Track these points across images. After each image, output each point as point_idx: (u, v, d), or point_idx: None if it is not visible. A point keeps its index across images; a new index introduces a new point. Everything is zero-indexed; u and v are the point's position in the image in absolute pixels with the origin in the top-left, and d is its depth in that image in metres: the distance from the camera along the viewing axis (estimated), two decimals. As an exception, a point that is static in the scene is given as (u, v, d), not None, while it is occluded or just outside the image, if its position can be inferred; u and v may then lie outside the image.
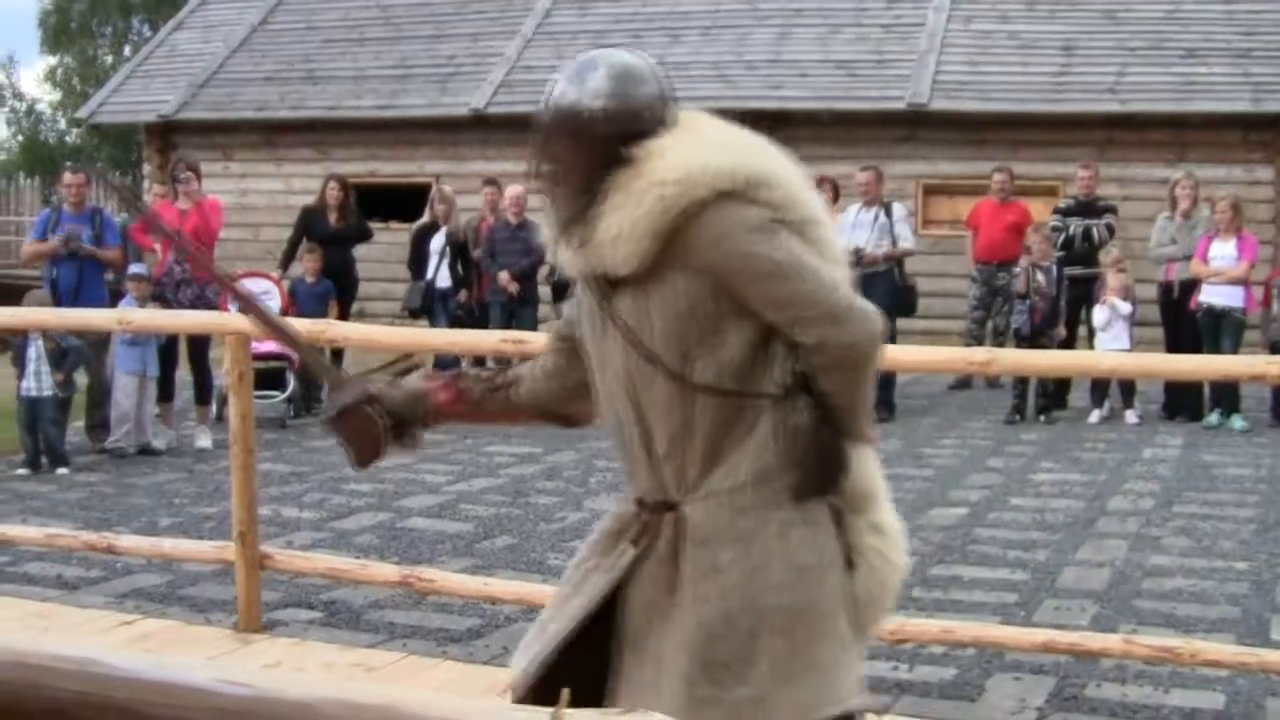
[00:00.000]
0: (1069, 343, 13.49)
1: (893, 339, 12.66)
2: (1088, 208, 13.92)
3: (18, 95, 46.81)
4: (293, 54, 23.05)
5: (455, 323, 13.68)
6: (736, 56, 20.55)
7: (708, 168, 3.05)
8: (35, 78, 48.90)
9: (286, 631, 6.73)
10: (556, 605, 3.36)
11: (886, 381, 12.75)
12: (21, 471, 10.71)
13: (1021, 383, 12.88)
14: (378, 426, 3.55)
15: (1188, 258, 13.01)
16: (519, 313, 13.72)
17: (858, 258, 12.83)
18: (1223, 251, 12.85)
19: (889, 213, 13.18)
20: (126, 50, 42.74)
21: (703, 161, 3.06)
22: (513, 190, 14.35)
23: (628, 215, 3.05)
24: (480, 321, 13.69)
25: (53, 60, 45.61)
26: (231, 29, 23.94)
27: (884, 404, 12.86)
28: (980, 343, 14.65)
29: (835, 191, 13.73)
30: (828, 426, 3.14)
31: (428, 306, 13.90)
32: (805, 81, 19.64)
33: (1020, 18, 20.24)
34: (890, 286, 12.93)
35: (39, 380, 10.81)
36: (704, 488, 3.15)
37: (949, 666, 6.18)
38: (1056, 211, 14.08)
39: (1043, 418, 12.85)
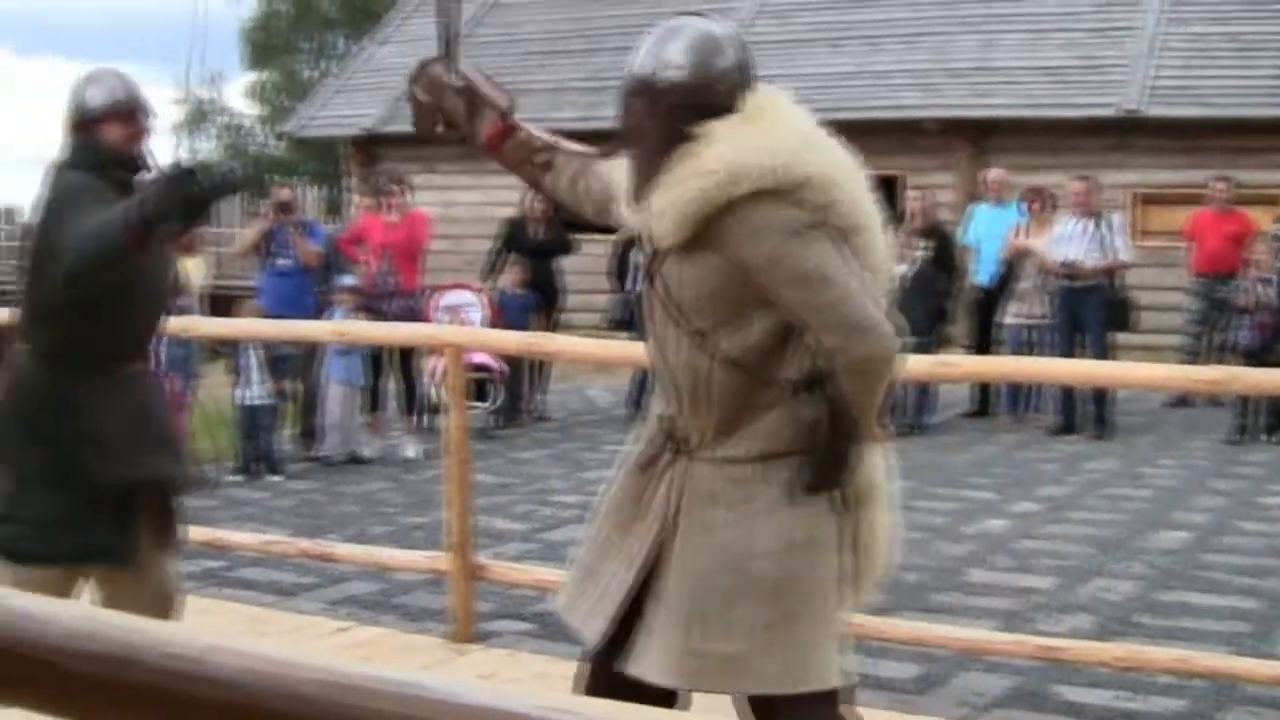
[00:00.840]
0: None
1: (1105, 353, 12.38)
2: (1318, 217, 13.42)
3: (224, 110, 47.90)
4: (493, 66, 23.07)
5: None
6: (940, 64, 20.26)
7: (752, 164, 3.15)
8: (239, 93, 49.95)
9: (500, 642, 6.70)
10: (599, 546, 3.59)
11: (1102, 398, 12.43)
12: (235, 478, 10.86)
13: (1246, 400, 12.43)
14: (446, 103, 3.98)
15: None
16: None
17: (1070, 270, 12.52)
18: None
19: (1105, 223, 12.80)
20: (327, 65, 43.52)
21: (750, 157, 3.16)
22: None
23: (672, 196, 3.20)
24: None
25: (256, 76, 46.57)
26: (432, 43, 24.11)
27: (1100, 421, 12.54)
28: (1198, 358, 14.20)
29: (1047, 202, 13.43)
30: (837, 422, 3.27)
31: (630, 318, 13.84)
32: (1012, 89, 19.29)
33: (1239, 18, 19.61)
34: (1104, 300, 12.57)
35: (256, 388, 10.97)
36: (713, 450, 3.34)
37: (1180, 698, 5.91)
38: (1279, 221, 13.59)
39: (1270, 437, 12.37)
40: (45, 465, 4.55)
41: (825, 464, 3.28)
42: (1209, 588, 7.66)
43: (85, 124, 4.71)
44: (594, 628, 3.51)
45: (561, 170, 3.88)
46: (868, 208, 3.31)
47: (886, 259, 3.38)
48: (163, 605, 4.73)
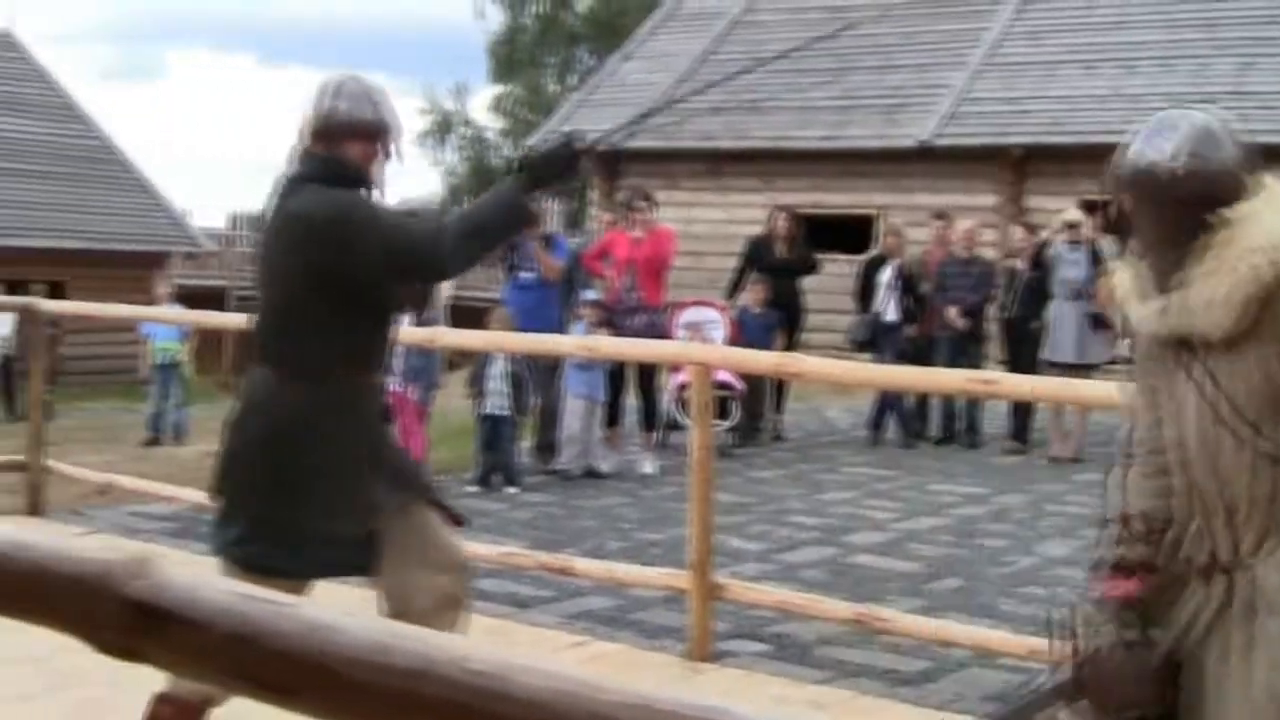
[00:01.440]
0: None
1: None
2: None
3: (467, 122, 48.72)
4: (738, 84, 23.22)
5: (901, 357, 13.48)
6: (1195, 88, 19.70)
7: None
8: (483, 105, 50.73)
9: (736, 662, 6.68)
10: None
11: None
12: (473, 488, 11.02)
13: None
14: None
15: None
16: (967, 349, 13.40)
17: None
18: None
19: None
20: (571, 79, 44.04)
21: None
22: (964, 224, 14.13)
23: (1222, 282, 3.10)
24: (925, 357, 13.45)
25: (500, 89, 47.28)
26: (677, 59, 24.35)
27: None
28: None
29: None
30: None
31: (874, 339, 13.75)
32: (1270, 114, 18.71)
33: None
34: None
35: (498, 399, 11.12)
36: (1275, 550, 3.18)
37: None
38: None
39: None
40: (296, 481, 4.52)
41: None
42: None
43: (328, 135, 4.63)
44: None
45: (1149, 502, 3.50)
46: None
47: None
48: (434, 616, 4.67)
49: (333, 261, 4.45)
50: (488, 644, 1.26)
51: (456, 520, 4.87)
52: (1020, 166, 20.22)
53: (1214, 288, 3.09)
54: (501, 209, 4.57)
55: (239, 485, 4.64)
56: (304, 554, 4.53)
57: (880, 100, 21.64)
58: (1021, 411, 13.22)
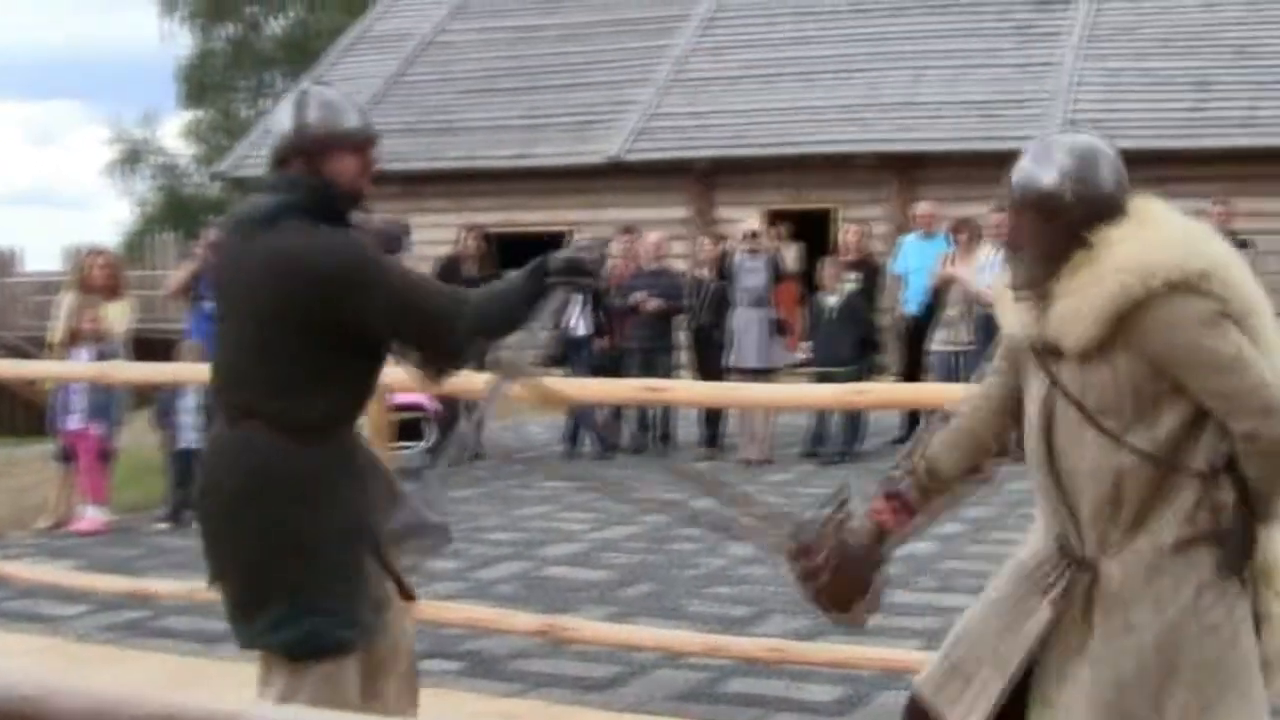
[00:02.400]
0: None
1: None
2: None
3: (158, 150, 47.64)
4: (429, 105, 23.36)
5: (593, 371, 13.74)
6: (870, 100, 20.53)
7: (1163, 261, 3.28)
8: (174, 132, 49.64)
9: (429, 681, 6.73)
10: (972, 642, 3.66)
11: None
12: (163, 525, 10.80)
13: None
14: (866, 583, 3.86)
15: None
16: (655, 360, 13.73)
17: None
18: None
19: (1026, 253, 13.03)
20: (264, 103, 43.42)
21: (1157, 254, 3.30)
22: (652, 237, 14.45)
23: (1088, 298, 3.33)
24: (617, 369, 13.75)
25: (191, 115, 46.37)
26: (368, 81, 24.29)
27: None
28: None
29: (972, 232, 13.66)
30: (1244, 506, 3.35)
31: (565, 354, 13.97)
32: (939, 123, 19.58)
33: (1154, 54, 20.06)
34: (1029, 327, 12.80)
35: (190, 433, 10.86)
36: (1123, 549, 3.39)
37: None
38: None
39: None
40: (327, 547, 4.03)
41: (1237, 546, 3.35)
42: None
43: (309, 151, 4.11)
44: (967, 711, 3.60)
45: (940, 446, 3.91)
46: (1256, 291, 3.41)
47: (1277, 340, 3.44)
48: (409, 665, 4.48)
49: (334, 318, 4.00)
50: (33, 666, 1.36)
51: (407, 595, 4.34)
52: (708, 179, 20.72)
53: (1079, 303, 3.33)
54: (524, 303, 4.17)
55: (261, 564, 4.08)
56: (359, 619, 4.07)
57: (569, 118, 21.94)
58: (712, 418, 13.58)
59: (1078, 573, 3.43)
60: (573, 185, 21.00)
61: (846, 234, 14.26)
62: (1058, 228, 3.38)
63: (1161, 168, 18.18)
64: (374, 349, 4.18)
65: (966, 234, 13.60)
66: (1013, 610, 3.56)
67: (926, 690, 3.71)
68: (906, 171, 19.69)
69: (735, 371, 13.16)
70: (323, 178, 4.07)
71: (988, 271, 12.85)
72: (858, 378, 12.65)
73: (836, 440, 13.09)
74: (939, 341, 13.38)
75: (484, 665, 7.02)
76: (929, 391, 8.12)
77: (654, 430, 13.93)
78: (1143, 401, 3.32)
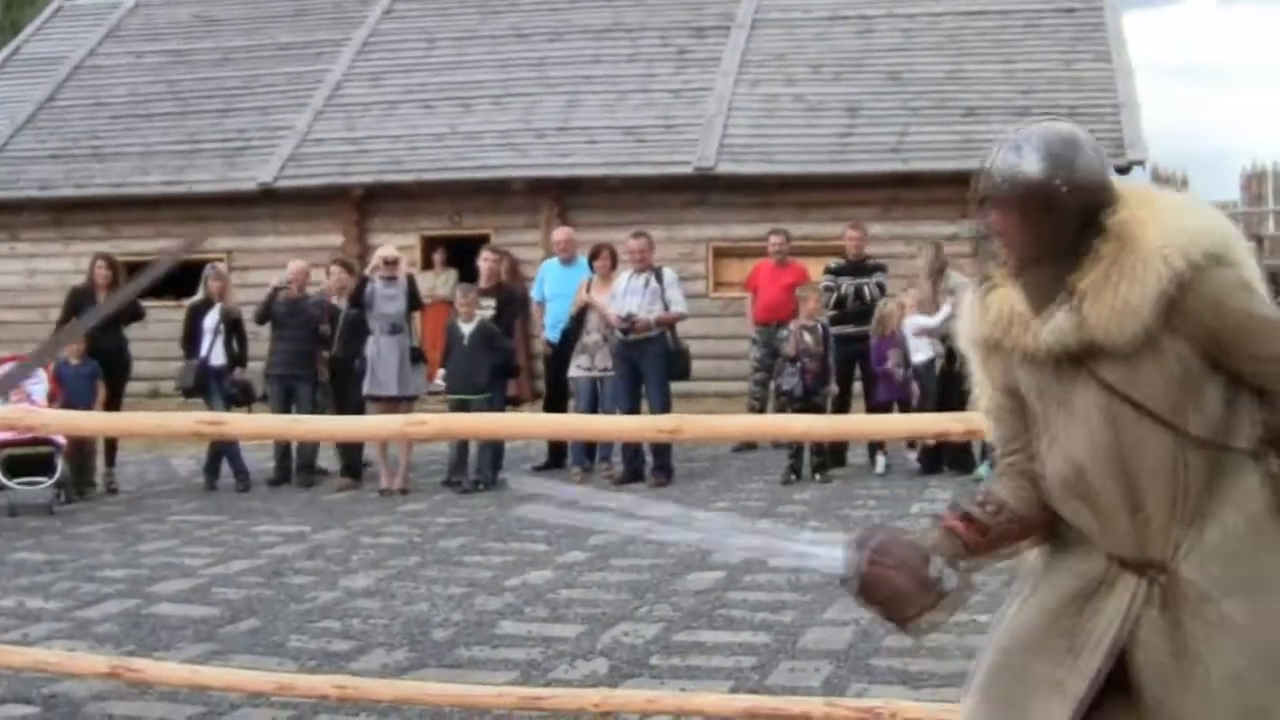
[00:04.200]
0: (842, 401, 13.63)
1: (666, 402, 12.80)
2: (858, 267, 14.11)
3: None
4: (79, 130, 22.69)
5: (230, 401, 13.48)
6: (526, 124, 20.64)
7: (1200, 234, 3.12)
8: None
9: (-1, 728, 6.52)
10: (1011, 673, 3.33)
11: (664, 447, 12.77)
12: None
13: (797, 443, 12.95)
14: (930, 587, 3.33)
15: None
16: (296, 391, 13.53)
17: (630, 324, 12.89)
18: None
19: (660, 278, 13.23)
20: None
21: (1193, 228, 3.13)
22: (295, 264, 14.24)
23: (1132, 288, 3.10)
24: (254, 398, 13.59)
25: None
26: (18, 105, 23.51)
27: (662, 468, 12.91)
28: (763, 404, 14.80)
29: (613, 259, 13.80)
30: None
31: (202, 385, 13.67)
32: (593, 148, 19.77)
33: (806, 80, 20.62)
34: (663, 351, 13.00)
35: None
36: (1194, 544, 3.17)
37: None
38: (828, 271, 14.22)
39: (818, 476, 12.93)
40: None
41: None
42: (725, 625, 7.96)
43: None
44: None
45: (1009, 495, 3.46)
46: (1251, 255, 3.29)
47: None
48: None
49: None
50: None
51: None
52: (363, 205, 20.54)
53: (1121, 295, 3.10)
54: None
55: None
56: None
57: (223, 144, 21.54)
58: (351, 447, 13.42)
59: (1149, 574, 3.19)
60: (225, 212, 20.57)
61: (481, 261, 14.24)
62: (1054, 220, 3.16)
63: (813, 192, 18.82)
64: None
65: (605, 259, 13.73)
66: (1069, 631, 3.27)
67: None
68: (561, 197, 19.82)
69: (373, 400, 13.04)
70: None
71: (623, 298, 13.02)
72: (493, 405, 12.68)
73: (477, 469, 13.04)
74: (578, 367, 13.47)
75: (63, 709, 6.78)
76: (486, 423, 8.15)
77: (293, 460, 13.70)
78: (1191, 385, 3.13)
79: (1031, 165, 3.16)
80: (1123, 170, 18.87)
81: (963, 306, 3.46)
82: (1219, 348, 3.13)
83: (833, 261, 14.38)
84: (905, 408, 13.15)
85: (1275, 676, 3.12)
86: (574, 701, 5.75)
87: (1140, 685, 3.22)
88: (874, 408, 13.35)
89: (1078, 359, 3.19)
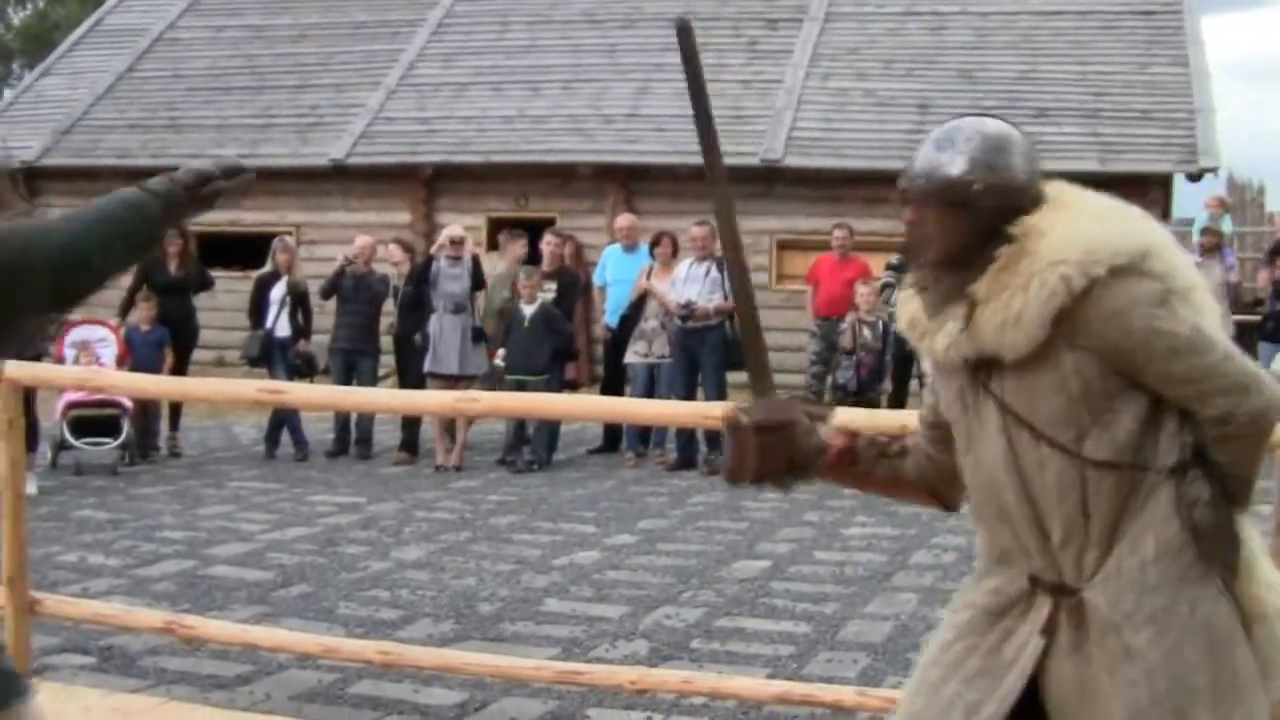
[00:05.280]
0: (899, 399, 13.69)
1: (722, 391, 12.88)
2: (920, 264, 14.11)
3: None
4: (157, 102, 23.00)
5: (293, 372, 13.68)
6: (595, 110, 20.76)
7: (1102, 244, 2.94)
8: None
9: (56, 676, 6.70)
10: (927, 689, 3.27)
11: (717, 435, 12.86)
12: None
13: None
14: (780, 456, 3.30)
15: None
16: (358, 365, 13.74)
17: (689, 311, 13.00)
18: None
19: (720, 267, 13.32)
20: (7, 94, 42.33)
21: (1095, 238, 2.95)
22: (362, 240, 14.43)
23: (1023, 299, 2.96)
24: (316, 370, 13.82)
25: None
26: (98, 75, 23.85)
27: (714, 457, 13.01)
28: (820, 398, 14.86)
29: (675, 246, 13.92)
30: (1231, 492, 3.06)
31: (267, 355, 13.88)
32: (662, 136, 19.84)
33: (877, 76, 20.63)
34: (721, 340, 13.09)
35: None
36: (1106, 569, 3.04)
37: (704, 716, 6.26)
38: (889, 268, 14.28)
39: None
40: None
41: (1219, 542, 3.06)
42: (767, 614, 8.07)
43: None
44: None
45: (913, 449, 3.47)
46: (1190, 266, 3.09)
47: (1217, 312, 3.13)
48: None
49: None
50: None
51: None
52: (431, 184, 20.74)
53: (1009, 306, 2.97)
54: (141, 223, 3.23)
55: None
56: None
57: (297, 119, 21.78)
58: (410, 422, 13.60)
59: (1060, 598, 3.08)
60: (297, 187, 20.80)
61: (545, 244, 14.39)
62: (968, 221, 3.02)
63: (881, 188, 18.76)
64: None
65: (666, 247, 13.85)
66: (983, 651, 3.19)
67: None
68: (626, 184, 19.93)
69: (434, 377, 13.21)
70: None
71: (683, 286, 13.13)
72: (551, 387, 12.83)
73: (533, 449, 13.19)
74: (635, 354, 13.59)
75: (117, 660, 6.99)
76: (538, 402, 8.28)
77: (351, 433, 13.90)
78: (1096, 402, 2.97)
79: (951, 163, 3.03)
80: (1194, 177, 18.84)
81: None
82: (1128, 364, 2.97)
83: (895, 258, 14.41)
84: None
85: (1169, 715, 2.99)
86: (611, 679, 5.86)
87: (1049, 711, 3.15)
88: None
89: (979, 368, 3.08)
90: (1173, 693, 2.98)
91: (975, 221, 3.00)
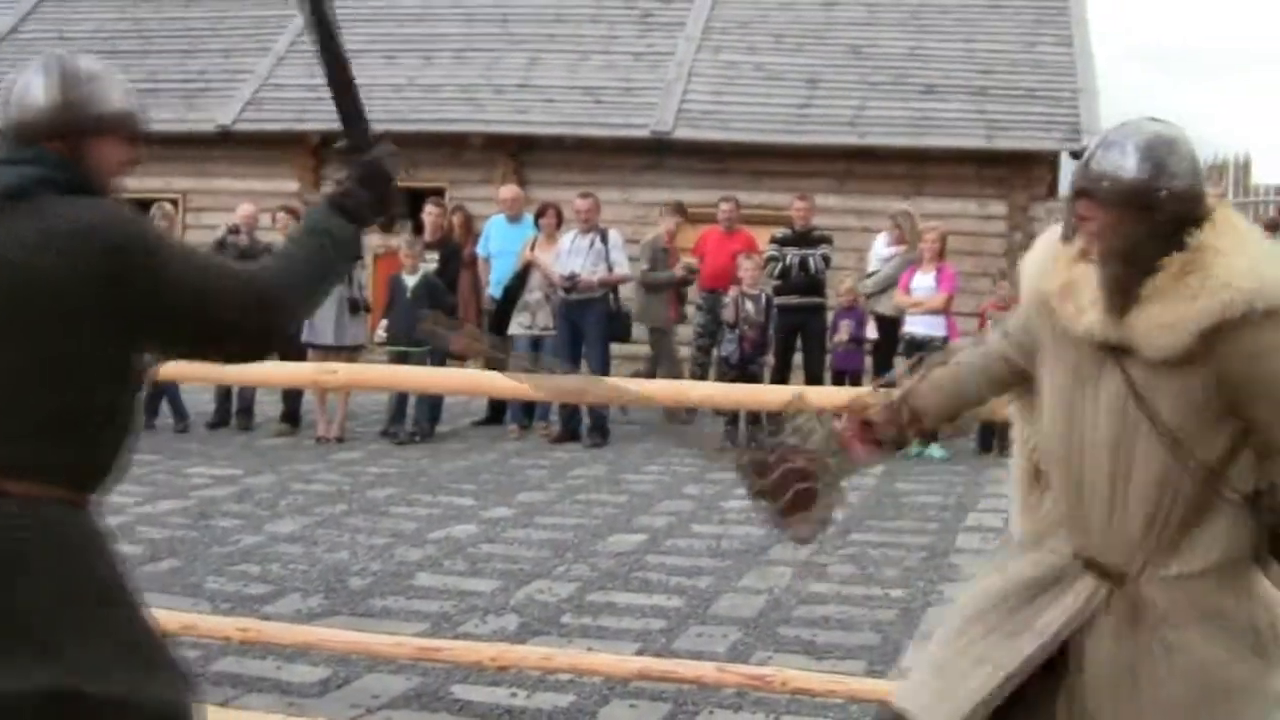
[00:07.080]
0: (781, 372, 13.73)
1: (605, 364, 12.88)
2: (804, 238, 14.18)
3: None
4: (38, 65, 22.58)
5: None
6: (486, 80, 20.61)
7: (1275, 283, 3.10)
8: None
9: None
10: (957, 644, 3.48)
11: (600, 408, 12.87)
12: None
13: (733, 410, 13.03)
14: (822, 503, 3.66)
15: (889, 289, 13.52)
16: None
17: (572, 283, 12.98)
18: (923, 283, 13.27)
19: (605, 239, 13.32)
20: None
21: (1270, 276, 3.11)
22: (245, 208, 14.27)
23: (1187, 309, 3.13)
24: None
25: None
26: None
27: (597, 430, 13.00)
28: (705, 370, 14.89)
29: (559, 218, 13.88)
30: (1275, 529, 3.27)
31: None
32: (552, 107, 19.75)
33: (767, 50, 20.61)
34: (604, 312, 13.09)
35: None
36: (1167, 568, 3.27)
37: (569, 693, 6.24)
38: (773, 241, 14.31)
39: (754, 444, 12.99)
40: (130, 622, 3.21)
41: (1272, 564, 3.31)
42: (640, 588, 8.08)
43: (67, 132, 3.18)
44: (944, 709, 3.44)
45: (930, 393, 3.82)
46: None
47: None
48: None
49: (139, 307, 3.02)
50: None
51: None
52: (318, 152, 20.51)
53: (1171, 312, 3.13)
54: (341, 248, 3.34)
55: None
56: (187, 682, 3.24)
57: (184, 84, 21.47)
58: (292, 394, 13.49)
59: (1110, 583, 3.32)
60: (184, 153, 20.47)
61: (427, 214, 14.30)
62: (1151, 226, 3.17)
63: (769, 161, 18.85)
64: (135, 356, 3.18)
65: (551, 218, 13.80)
66: (1018, 618, 3.42)
67: (908, 701, 3.54)
68: (517, 154, 19.83)
69: (312, 348, 13.10)
70: (79, 162, 3.18)
71: (567, 258, 13.10)
72: (433, 359, 12.76)
73: (415, 420, 13.13)
74: (519, 325, 13.55)
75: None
76: (396, 375, 8.26)
77: (233, 404, 13.76)
78: (1206, 418, 3.18)
79: (1135, 167, 3.17)
80: (1077, 155, 19.02)
81: (1038, 249, 3.53)
82: (1242, 396, 3.15)
83: (779, 231, 14.44)
84: (856, 381, 13.31)
85: (1213, 712, 3.23)
86: (471, 655, 5.83)
87: (1079, 688, 3.35)
88: (813, 379, 13.48)
89: (1115, 350, 3.25)
90: (1219, 691, 3.22)
91: (1154, 226, 3.16)
